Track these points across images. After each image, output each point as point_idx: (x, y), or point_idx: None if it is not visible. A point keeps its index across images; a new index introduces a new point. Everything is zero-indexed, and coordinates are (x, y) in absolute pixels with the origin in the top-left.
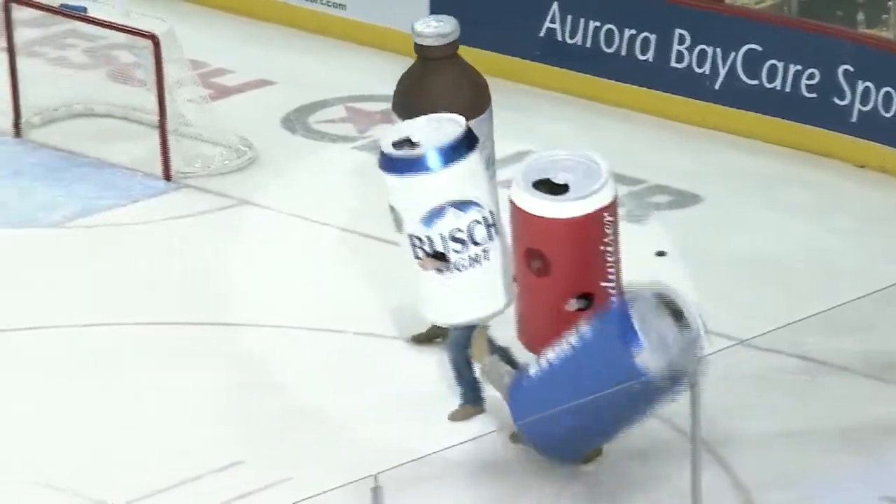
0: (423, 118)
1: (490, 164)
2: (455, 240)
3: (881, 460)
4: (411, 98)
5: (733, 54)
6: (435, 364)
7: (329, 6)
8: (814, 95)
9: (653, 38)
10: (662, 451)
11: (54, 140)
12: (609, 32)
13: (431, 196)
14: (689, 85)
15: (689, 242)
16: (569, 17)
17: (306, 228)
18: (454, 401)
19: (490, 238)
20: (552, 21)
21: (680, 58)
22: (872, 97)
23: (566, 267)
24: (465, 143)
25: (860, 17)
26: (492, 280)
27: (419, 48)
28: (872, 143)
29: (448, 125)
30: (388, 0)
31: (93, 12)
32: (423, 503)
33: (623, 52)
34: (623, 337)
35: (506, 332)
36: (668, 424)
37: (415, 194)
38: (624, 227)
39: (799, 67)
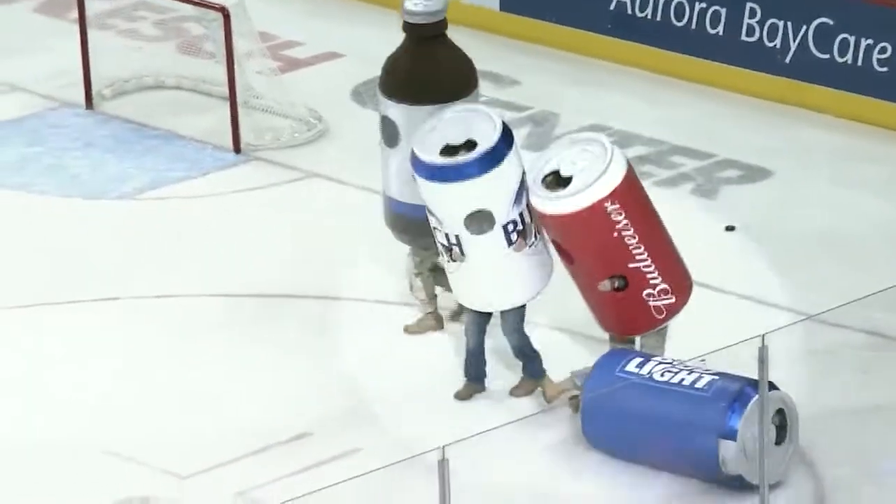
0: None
1: None
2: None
3: None
4: (399, 77)
5: (804, 28)
6: (494, 342)
7: None
8: (885, 69)
9: (723, 11)
10: None
11: (125, 112)
12: (679, 6)
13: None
14: (760, 59)
15: (758, 217)
16: None
17: (375, 201)
18: (513, 379)
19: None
20: None
21: (751, 31)
22: None
23: (583, 256)
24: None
25: None
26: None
27: (409, 26)
28: None
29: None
30: None
31: None
32: (487, 476)
33: (693, 26)
34: (727, 421)
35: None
36: None
37: (501, 182)
38: (693, 202)
39: (870, 41)
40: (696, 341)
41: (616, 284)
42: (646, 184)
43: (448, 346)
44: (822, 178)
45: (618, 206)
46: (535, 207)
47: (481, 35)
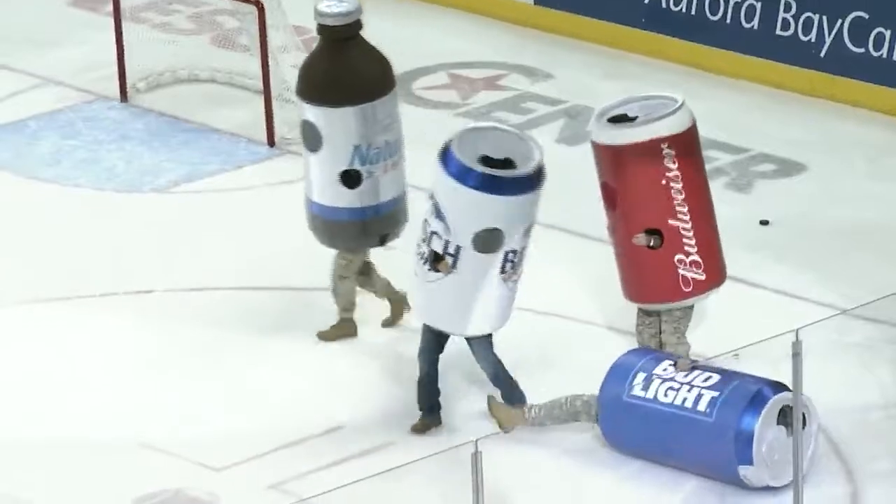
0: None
1: (398, 147)
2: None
3: None
4: (316, 80)
5: (839, 22)
6: (528, 338)
7: None
8: None
9: (758, 5)
10: None
11: (160, 105)
12: (714, 0)
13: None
14: (795, 52)
15: (792, 211)
16: None
17: (409, 194)
18: (544, 376)
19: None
20: None
21: (786, 25)
22: None
23: (626, 199)
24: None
25: None
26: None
27: (322, 29)
28: None
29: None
30: None
31: None
32: (521, 469)
33: (728, 20)
34: (738, 454)
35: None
36: None
37: (529, 208)
38: (728, 196)
39: None
40: (730, 335)
41: (651, 242)
42: None
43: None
44: (857, 172)
45: (674, 152)
46: (594, 140)
47: (516, 29)
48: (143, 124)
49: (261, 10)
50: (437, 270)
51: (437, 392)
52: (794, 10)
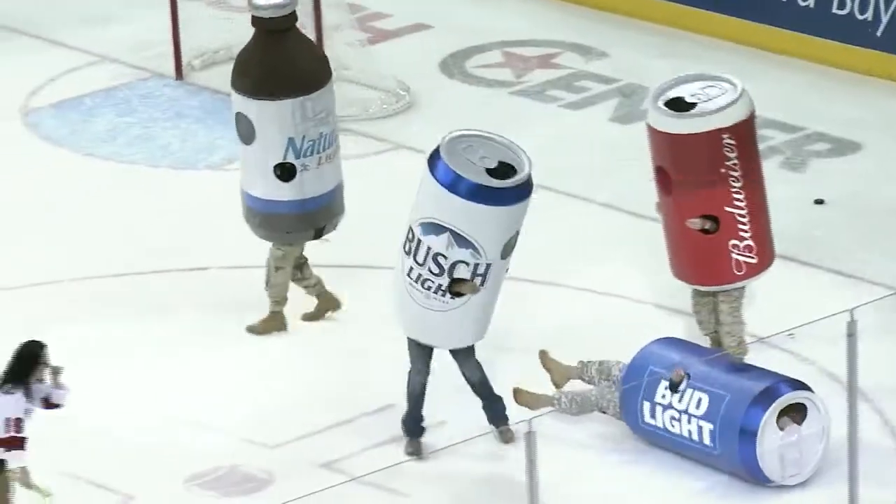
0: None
1: (334, 139)
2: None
3: None
4: (251, 72)
5: None
6: (569, 320)
7: None
8: None
9: None
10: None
11: (214, 83)
12: None
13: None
14: (851, 31)
15: (847, 190)
16: None
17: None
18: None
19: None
20: None
21: (842, 4)
22: None
23: (684, 185)
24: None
25: None
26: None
27: (257, 21)
28: None
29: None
30: None
31: None
32: (572, 449)
33: None
34: (753, 475)
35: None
36: (825, 374)
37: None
38: (782, 175)
39: None
40: (785, 315)
41: (707, 226)
42: None
43: (525, 323)
44: None
45: (734, 142)
46: (654, 126)
47: (569, 7)
48: (198, 102)
49: None
50: (461, 295)
51: (422, 416)
52: None
